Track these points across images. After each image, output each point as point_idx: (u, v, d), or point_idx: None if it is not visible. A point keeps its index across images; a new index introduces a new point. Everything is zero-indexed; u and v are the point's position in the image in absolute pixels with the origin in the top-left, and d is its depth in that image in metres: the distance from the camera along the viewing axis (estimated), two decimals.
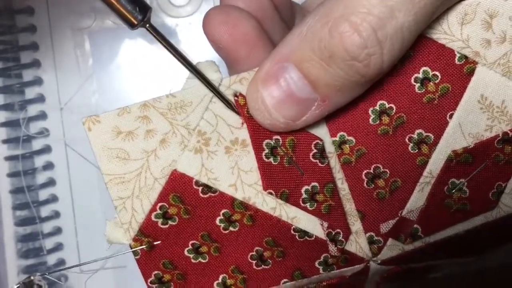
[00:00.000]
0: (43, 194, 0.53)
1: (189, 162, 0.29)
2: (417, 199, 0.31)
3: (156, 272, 0.31)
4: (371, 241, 0.32)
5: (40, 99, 0.53)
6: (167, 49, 0.27)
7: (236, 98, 0.29)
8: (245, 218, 0.30)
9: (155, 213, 0.30)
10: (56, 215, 0.53)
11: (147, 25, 0.26)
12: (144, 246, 0.30)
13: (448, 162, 0.30)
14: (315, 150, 0.30)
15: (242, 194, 0.30)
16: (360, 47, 0.25)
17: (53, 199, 0.53)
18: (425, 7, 0.25)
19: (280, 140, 0.29)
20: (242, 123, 0.29)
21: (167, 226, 0.30)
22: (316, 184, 0.30)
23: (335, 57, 0.26)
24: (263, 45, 0.30)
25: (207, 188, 0.29)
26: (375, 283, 0.35)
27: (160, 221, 0.30)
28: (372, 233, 0.32)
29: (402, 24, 0.25)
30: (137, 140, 0.29)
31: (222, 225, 0.30)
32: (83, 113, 0.54)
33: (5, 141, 0.53)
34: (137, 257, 0.30)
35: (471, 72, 0.30)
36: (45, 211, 0.53)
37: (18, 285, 0.45)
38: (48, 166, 0.53)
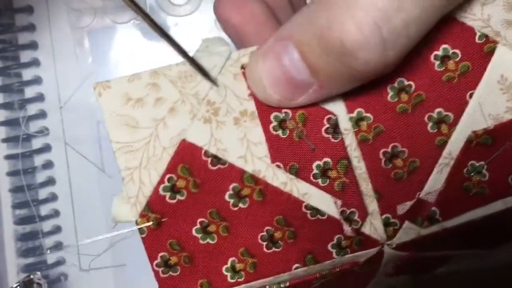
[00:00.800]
0: (43, 193, 0.53)
1: (198, 131, 0.28)
2: (436, 181, 0.30)
3: (162, 253, 0.30)
4: (386, 223, 0.31)
5: (40, 98, 0.53)
6: (159, 34, 0.26)
7: (243, 70, 0.28)
8: (255, 193, 0.29)
9: (163, 185, 0.29)
10: (56, 214, 0.53)
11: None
12: (151, 223, 0.29)
13: (468, 143, 0.30)
14: (327, 125, 0.29)
15: (252, 167, 0.29)
16: (360, 44, 0.24)
17: (53, 198, 0.53)
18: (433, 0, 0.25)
19: (290, 114, 0.29)
20: (249, 95, 0.29)
21: (175, 201, 0.29)
22: (328, 159, 0.29)
23: (333, 50, 0.25)
24: (271, 26, 0.30)
25: (216, 159, 0.29)
26: (385, 274, 0.34)
27: (168, 195, 0.29)
28: (389, 215, 0.30)
29: (408, 21, 0.24)
30: (146, 107, 0.28)
31: (232, 201, 0.29)
32: (83, 112, 0.54)
33: (5, 140, 0.53)
34: (143, 235, 0.29)
35: (491, 51, 0.29)
36: (44, 210, 0.53)
37: (17, 284, 0.45)
38: (48, 165, 0.53)
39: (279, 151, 0.29)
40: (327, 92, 0.28)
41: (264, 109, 0.29)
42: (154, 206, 0.29)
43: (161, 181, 0.29)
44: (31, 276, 0.48)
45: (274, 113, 0.29)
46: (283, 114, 0.29)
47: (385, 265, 0.33)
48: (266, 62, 0.27)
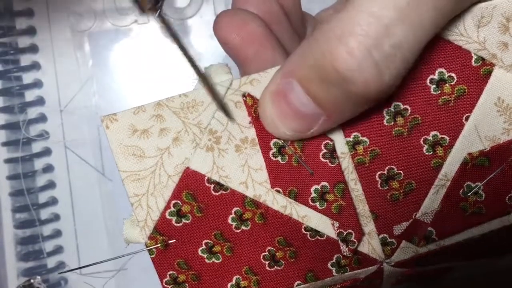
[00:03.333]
0: (43, 197, 0.53)
1: (201, 160, 0.30)
2: (432, 201, 0.31)
3: (171, 272, 0.31)
4: (384, 243, 0.31)
5: (40, 101, 0.53)
6: (173, 39, 0.28)
7: (244, 98, 0.29)
8: (256, 216, 0.30)
9: (169, 210, 0.30)
10: (56, 217, 0.53)
11: (158, 13, 0.27)
12: (159, 245, 0.30)
13: (464, 165, 0.30)
14: (325, 150, 0.30)
15: (253, 192, 0.30)
16: (353, 70, 0.25)
17: (53, 201, 0.53)
18: (422, 22, 0.25)
19: (289, 140, 0.30)
20: (250, 122, 0.30)
21: (181, 224, 0.30)
22: (326, 183, 0.30)
23: (330, 79, 0.26)
24: (271, 45, 0.31)
25: (218, 185, 0.30)
26: (390, 284, 0.35)
27: (174, 219, 0.30)
28: (386, 235, 0.31)
29: (400, 41, 0.25)
30: (151, 138, 0.29)
31: (234, 223, 0.31)
32: (83, 115, 0.54)
33: (5, 144, 0.53)
34: (152, 256, 0.31)
35: (488, 74, 0.29)
36: (45, 213, 0.53)
37: None
38: (48, 168, 0.53)
39: (278, 176, 0.30)
40: (337, 120, 0.28)
41: (264, 136, 0.30)
42: (161, 229, 0.30)
43: (167, 207, 0.30)
44: (31, 280, 0.48)
45: (274, 140, 0.30)
46: (282, 141, 0.30)
47: (387, 279, 0.34)
48: (275, 103, 0.28)
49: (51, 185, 0.53)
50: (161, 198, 0.30)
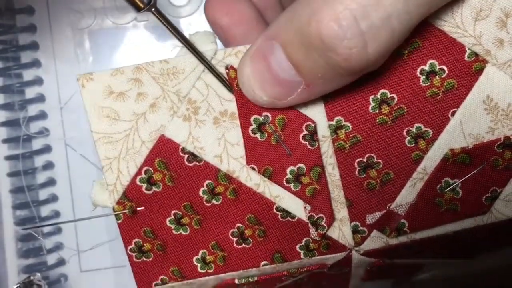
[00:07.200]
0: (43, 194, 0.53)
1: (177, 128, 0.29)
2: (408, 194, 0.31)
3: (136, 239, 0.31)
4: (355, 230, 0.31)
5: (40, 98, 0.53)
6: (171, 32, 0.28)
7: (227, 71, 0.29)
8: (228, 191, 0.30)
9: (140, 177, 0.30)
10: (56, 214, 0.53)
11: (153, 9, 0.27)
12: (126, 211, 0.30)
13: (444, 160, 0.30)
14: (305, 132, 0.29)
15: (227, 166, 0.30)
16: (337, 38, 0.24)
17: (53, 198, 0.53)
18: None
19: (270, 117, 0.29)
20: (233, 96, 0.29)
21: (151, 192, 0.30)
22: (302, 165, 0.30)
23: (314, 46, 0.24)
24: (259, 28, 0.31)
25: (192, 156, 0.30)
26: (360, 278, 0.35)
27: (144, 186, 0.30)
28: (357, 223, 0.31)
29: (390, 13, 0.23)
30: (128, 101, 0.29)
31: (205, 196, 0.30)
32: (83, 113, 0.53)
33: (5, 141, 0.53)
34: (119, 221, 0.30)
35: (479, 71, 0.29)
36: (45, 210, 0.53)
37: (18, 285, 0.45)
38: (48, 165, 0.53)
39: (255, 153, 0.29)
40: (315, 91, 0.27)
41: (245, 111, 0.29)
42: (130, 195, 0.30)
43: (138, 173, 0.30)
44: (31, 277, 0.49)
45: (255, 116, 0.29)
46: (263, 117, 0.29)
47: (356, 269, 0.33)
48: (253, 64, 0.27)
49: (51, 182, 0.53)
50: (133, 163, 0.29)
